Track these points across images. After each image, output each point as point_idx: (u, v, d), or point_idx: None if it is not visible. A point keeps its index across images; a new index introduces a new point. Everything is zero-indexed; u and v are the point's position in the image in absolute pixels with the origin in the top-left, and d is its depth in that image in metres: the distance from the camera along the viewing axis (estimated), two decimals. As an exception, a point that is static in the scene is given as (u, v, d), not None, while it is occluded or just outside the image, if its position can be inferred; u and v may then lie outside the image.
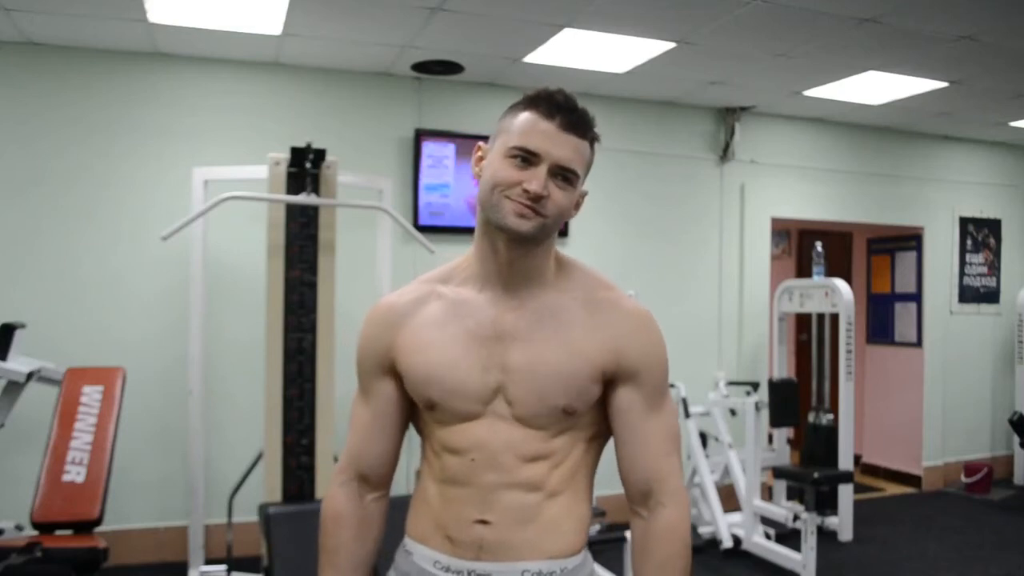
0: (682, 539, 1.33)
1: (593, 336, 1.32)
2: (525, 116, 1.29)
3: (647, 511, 1.34)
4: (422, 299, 1.39)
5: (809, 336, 6.11)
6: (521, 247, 1.31)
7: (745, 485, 4.69)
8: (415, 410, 1.41)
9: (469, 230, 1.41)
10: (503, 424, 1.30)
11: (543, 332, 1.32)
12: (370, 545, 1.44)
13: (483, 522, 1.30)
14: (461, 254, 1.44)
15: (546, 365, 1.30)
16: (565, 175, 1.28)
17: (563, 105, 1.29)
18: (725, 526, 4.65)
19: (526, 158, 1.27)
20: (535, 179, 1.26)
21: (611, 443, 1.40)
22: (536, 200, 1.26)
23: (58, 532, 3.30)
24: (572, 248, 5.05)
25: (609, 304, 1.36)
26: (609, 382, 1.34)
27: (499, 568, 1.29)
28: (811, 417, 5.39)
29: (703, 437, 4.92)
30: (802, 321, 7.14)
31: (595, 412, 1.36)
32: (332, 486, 1.45)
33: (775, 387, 4.84)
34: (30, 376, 3.64)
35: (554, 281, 1.36)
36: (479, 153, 1.36)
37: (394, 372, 1.39)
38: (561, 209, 1.29)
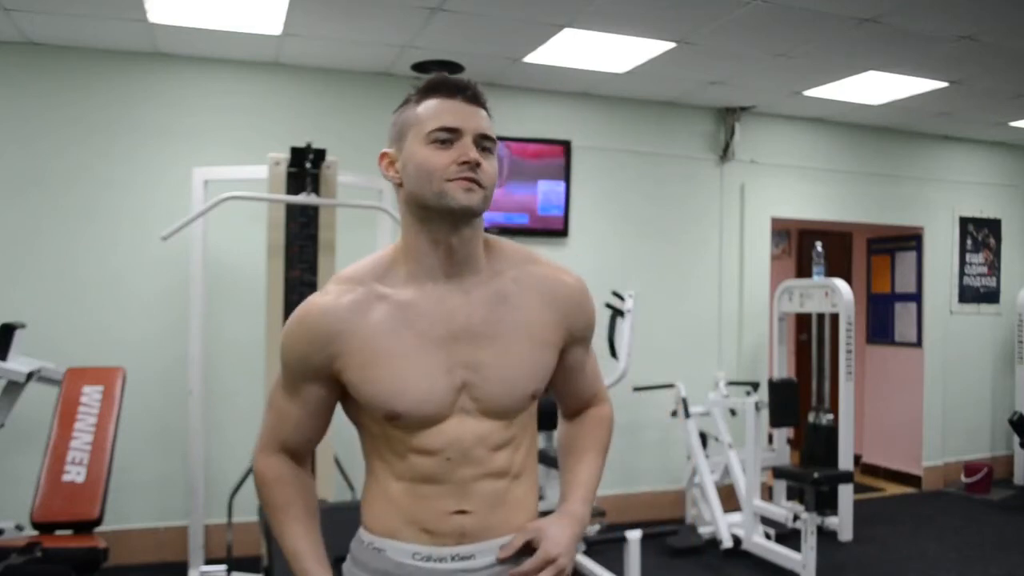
0: (610, 421, 1.56)
1: (546, 318, 1.39)
2: (429, 103, 1.32)
3: (583, 412, 1.54)
4: (361, 302, 1.33)
5: (809, 336, 6.11)
6: (465, 228, 1.32)
7: (745, 485, 4.68)
8: (346, 403, 1.40)
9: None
10: (471, 419, 1.33)
11: (500, 324, 1.35)
12: (313, 501, 1.45)
13: (462, 512, 1.34)
14: None
15: (511, 357, 1.35)
16: (485, 144, 1.32)
17: (459, 84, 1.33)
18: (725, 526, 4.64)
19: (448, 138, 1.29)
20: (466, 149, 1.28)
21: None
22: (475, 168, 1.28)
23: (58, 532, 3.30)
24: (572, 248, 5.06)
25: (551, 280, 1.41)
26: (561, 351, 1.44)
27: (479, 548, 1.35)
28: (811, 417, 5.39)
29: (703, 437, 4.92)
30: (802, 321, 7.13)
31: None
32: (262, 456, 1.43)
33: (775, 387, 4.84)
34: (30, 376, 3.64)
35: (488, 264, 1.38)
36: (387, 159, 1.38)
37: (332, 379, 1.36)
38: (493, 178, 1.32)
